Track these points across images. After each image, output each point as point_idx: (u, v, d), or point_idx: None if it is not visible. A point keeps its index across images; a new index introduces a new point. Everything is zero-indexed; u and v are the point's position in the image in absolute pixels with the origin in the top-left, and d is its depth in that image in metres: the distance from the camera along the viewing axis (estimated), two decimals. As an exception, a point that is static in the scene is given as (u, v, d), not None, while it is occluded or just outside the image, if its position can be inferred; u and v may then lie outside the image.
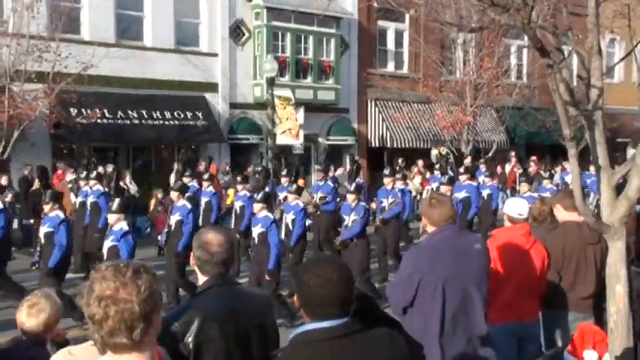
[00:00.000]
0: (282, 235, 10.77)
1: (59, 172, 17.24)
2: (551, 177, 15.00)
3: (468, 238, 4.80)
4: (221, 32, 21.52)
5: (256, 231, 9.72)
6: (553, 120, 20.93)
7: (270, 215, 9.86)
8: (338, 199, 15.09)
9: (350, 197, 11.15)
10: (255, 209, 10.09)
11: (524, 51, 27.77)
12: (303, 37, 22.56)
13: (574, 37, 5.31)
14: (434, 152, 21.92)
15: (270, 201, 10.64)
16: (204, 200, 13.68)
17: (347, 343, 2.50)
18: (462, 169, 14.96)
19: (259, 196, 10.16)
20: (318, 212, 14.17)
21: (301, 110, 21.88)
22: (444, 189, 13.21)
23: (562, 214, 5.94)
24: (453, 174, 16.30)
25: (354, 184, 12.74)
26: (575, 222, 5.66)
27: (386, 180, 13.22)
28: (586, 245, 5.65)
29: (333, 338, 2.49)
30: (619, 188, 5.11)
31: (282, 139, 21.39)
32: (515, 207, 5.47)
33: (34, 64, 16.12)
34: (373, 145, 24.79)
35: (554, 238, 5.69)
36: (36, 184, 15.17)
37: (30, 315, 3.69)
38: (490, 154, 23.20)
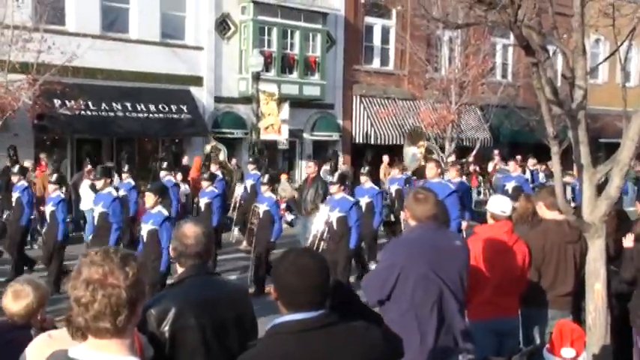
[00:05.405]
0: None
1: (42, 163, 17.09)
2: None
3: (448, 235, 4.76)
4: (207, 26, 21.43)
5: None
6: (536, 119, 21.01)
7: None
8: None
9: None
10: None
11: (510, 50, 27.86)
12: (289, 32, 22.50)
13: (559, 37, 5.35)
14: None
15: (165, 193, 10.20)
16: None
17: (321, 335, 2.51)
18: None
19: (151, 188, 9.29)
20: None
21: (286, 105, 21.83)
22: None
23: (543, 212, 5.97)
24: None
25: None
26: (556, 220, 5.70)
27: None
28: (566, 243, 5.69)
29: (307, 330, 2.49)
30: (600, 187, 5.16)
31: (265, 135, 21.36)
32: (498, 204, 5.49)
33: (18, 55, 15.97)
34: (357, 141, 24.82)
35: (534, 236, 5.72)
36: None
37: (14, 300, 3.77)
38: (474, 153, 23.26)
